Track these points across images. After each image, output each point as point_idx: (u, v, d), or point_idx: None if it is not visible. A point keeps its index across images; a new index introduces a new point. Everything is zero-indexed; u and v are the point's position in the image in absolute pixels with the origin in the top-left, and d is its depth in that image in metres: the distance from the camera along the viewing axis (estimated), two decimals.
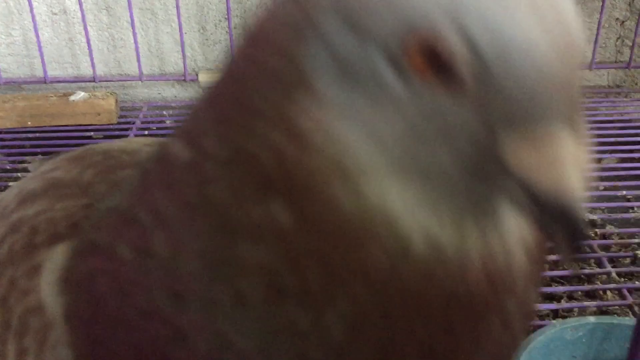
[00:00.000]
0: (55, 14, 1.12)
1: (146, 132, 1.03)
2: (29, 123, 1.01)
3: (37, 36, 1.07)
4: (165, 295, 0.23)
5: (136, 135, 1.02)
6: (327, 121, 0.21)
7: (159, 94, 1.19)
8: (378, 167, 0.21)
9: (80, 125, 1.02)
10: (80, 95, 1.02)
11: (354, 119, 0.21)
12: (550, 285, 0.76)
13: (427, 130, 0.20)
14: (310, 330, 0.21)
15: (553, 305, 0.72)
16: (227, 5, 1.07)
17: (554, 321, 0.70)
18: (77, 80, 1.10)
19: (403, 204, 0.21)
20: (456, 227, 0.22)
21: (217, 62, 1.18)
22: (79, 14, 1.10)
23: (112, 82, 1.13)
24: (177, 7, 1.06)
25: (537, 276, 0.24)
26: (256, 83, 0.22)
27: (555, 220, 0.20)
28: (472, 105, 0.20)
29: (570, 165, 0.19)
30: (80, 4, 1.06)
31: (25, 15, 1.11)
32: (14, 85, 1.12)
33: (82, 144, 0.98)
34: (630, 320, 0.53)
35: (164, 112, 1.11)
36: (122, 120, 1.06)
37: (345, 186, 0.21)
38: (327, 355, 0.22)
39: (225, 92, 0.24)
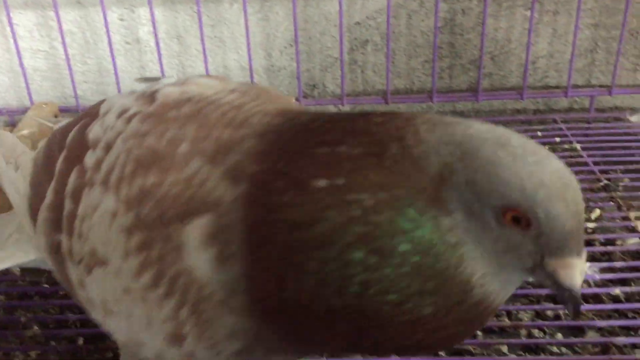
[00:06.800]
0: (129, 43, 1.17)
1: None
2: None
3: (114, 64, 1.12)
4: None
5: None
6: (452, 228, 0.40)
7: None
8: (475, 258, 0.41)
9: None
10: None
11: (468, 234, 0.40)
12: (627, 317, 0.76)
13: (507, 247, 0.40)
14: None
15: (632, 339, 0.72)
16: (295, 33, 1.10)
17: None
18: None
19: (484, 278, 0.41)
20: (500, 283, 0.42)
21: (282, 87, 1.20)
22: (151, 43, 1.15)
23: None
24: (247, 35, 1.10)
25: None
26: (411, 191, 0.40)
27: (567, 296, 0.40)
28: (532, 241, 0.39)
29: (577, 274, 0.40)
30: (155, 34, 1.10)
31: (100, 44, 1.16)
32: None
33: None
34: None
35: None
36: None
37: (456, 262, 0.40)
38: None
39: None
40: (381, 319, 0.41)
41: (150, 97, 0.51)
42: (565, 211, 0.38)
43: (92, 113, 0.55)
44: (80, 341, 0.75)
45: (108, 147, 0.49)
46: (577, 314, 0.41)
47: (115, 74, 1.13)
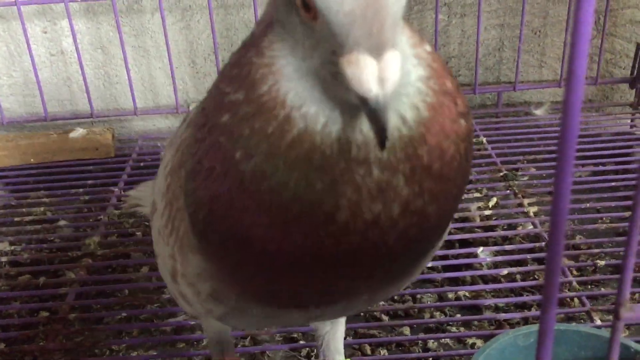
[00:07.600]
0: (54, 55, 1.19)
1: (142, 164, 1.10)
2: (32, 160, 1.07)
3: (37, 77, 1.14)
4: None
5: (132, 168, 1.08)
6: (271, 43, 0.37)
7: (154, 126, 1.25)
8: (289, 74, 0.35)
9: (80, 160, 1.08)
10: (79, 132, 1.08)
11: (284, 45, 0.36)
12: (522, 295, 0.82)
13: (311, 51, 0.34)
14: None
15: (523, 314, 0.78)
16: (214, 40, 1.14)
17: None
18: (76, 117, 1.16)
19: (299, 98, 0.35)
20: (325, 105, 0.35)
21: None
22: (76, 55, 1.17)
23: (108, 117, 1.19)
24: (167, 44, 1.13)
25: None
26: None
27: (367, 113, 0.32)
28: (323, 36, 0.33)
29: (368, 75, 0.31)
30: (76, 45, 1.12)
31: (25, 57, 1.18)
32: (16, 124, 1.18)
33: (82, 178, 1.04)
34: (578, 327, 0.58)
35: (158, 144, 1.17)
36: (119, 152, 1.12)
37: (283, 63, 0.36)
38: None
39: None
40: (260, 192, 0.36)
41: None
42: None
43: None
44: (2, 345, 0.77)
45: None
46: (381, 140, 0.32)
47: (39, 86, 1.15)
